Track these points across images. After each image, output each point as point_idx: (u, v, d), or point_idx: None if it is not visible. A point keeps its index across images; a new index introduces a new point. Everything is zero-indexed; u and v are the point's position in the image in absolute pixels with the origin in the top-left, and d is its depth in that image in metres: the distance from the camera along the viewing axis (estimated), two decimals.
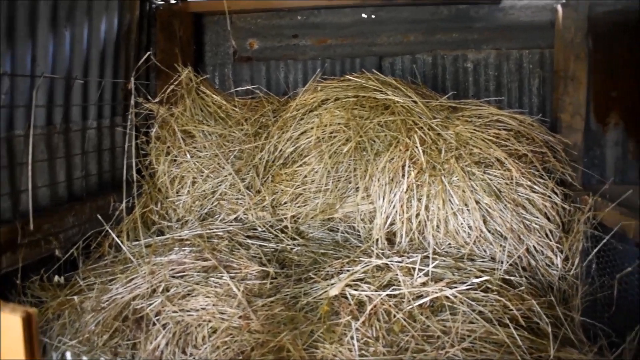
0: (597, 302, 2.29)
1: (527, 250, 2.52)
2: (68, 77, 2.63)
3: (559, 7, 3.33)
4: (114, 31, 3.07)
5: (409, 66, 3.56)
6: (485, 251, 2.56)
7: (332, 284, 2.14)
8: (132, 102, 2.60)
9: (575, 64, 3.32)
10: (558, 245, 2.52)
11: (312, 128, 2.74)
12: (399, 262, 2.19)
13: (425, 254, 2.27)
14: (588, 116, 3.47)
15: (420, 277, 2.16)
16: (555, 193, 2.64)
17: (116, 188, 2.95)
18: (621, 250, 2.17)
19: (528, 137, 2.79)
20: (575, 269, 2.46)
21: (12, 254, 2.38)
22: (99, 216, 2.62)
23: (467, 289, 2.14)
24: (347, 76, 2.96)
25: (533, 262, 2.51)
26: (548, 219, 2.58)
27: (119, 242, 2.58)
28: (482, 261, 2.46)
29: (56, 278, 2.47)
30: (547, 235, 2.56)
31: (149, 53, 2.99)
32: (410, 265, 2.19)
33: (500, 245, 2.50)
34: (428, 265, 2.21)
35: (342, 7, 3.55)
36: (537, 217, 2.54)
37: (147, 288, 2.35)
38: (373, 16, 3.59)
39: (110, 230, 2.63)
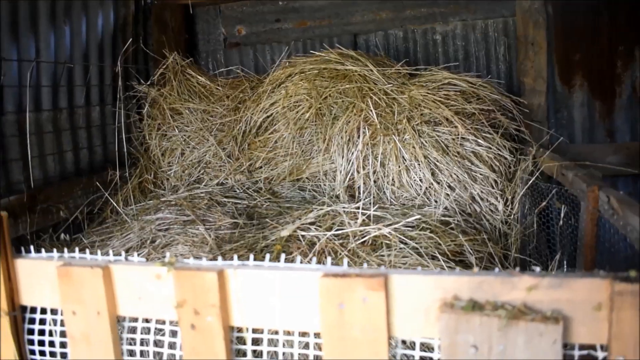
0: (529, 239, 2.54)
1: (473, 198, 2.78)
2: (64, 63, 3.03)
3: None
4: (110, 25, 3.48)
5: (382, 42, 3.83)
6: (435, 201, 2.83)
7: (285, 228, 2.47)
8: (120, 83, 2.99)
9: (534, 30, 3.53)
10: (501, 192, 2.77)
11: (280, 99, 3.07)
12: (345, 207, 2.50)
13: (365, 200, 2.57)
14: (553, 79, 3.68)
15: (364, 219, 2.47)
16: (504, 146, 2.89)
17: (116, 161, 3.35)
18: (543, 189, 2.42)
19: (478, 97, 3.03)
20: (515, 213, 2.71)
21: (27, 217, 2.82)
22: (97, 184, 3.03)
23: (404, 229, 2.43)
24: (313, 52, 3.28)
25: (478, 209, 2.77)
26: (494, 170, 2.84)
27: (116, 205, 2.97)
28: (429, 208, 2.73)
29: (62, 236, 2.88)
30: (492, 185, 2.81)
31: (130, 41, 3.34)
32: (354, 210, 2.49)
33: (447, 194, 2.77)
34: (375, 212, 2.52)
35: None
36: (481, 168, 2.79)
37: (137, 241, 2.74)
38: None
39: (108, 197, 3.03)
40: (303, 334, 1.25)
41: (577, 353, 1.10)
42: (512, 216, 2.72)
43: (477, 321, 1.03)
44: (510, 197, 2.74)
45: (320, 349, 1.18)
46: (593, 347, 1.08)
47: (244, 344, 1.27)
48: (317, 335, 1.20)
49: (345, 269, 1.14)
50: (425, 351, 1.19)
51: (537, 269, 1.09)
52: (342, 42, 3.84)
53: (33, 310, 1.49)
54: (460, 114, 2.88)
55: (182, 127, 3.28)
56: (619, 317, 1.00)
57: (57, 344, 1.45)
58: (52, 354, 1.47)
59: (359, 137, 2.87)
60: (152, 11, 3.86)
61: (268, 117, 3.13)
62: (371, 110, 2.86)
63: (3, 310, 1.42)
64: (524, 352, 1.02)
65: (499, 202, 2.76)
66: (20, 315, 1.48)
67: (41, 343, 1.48)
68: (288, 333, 1.26)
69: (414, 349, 1.17)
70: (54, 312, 1.46)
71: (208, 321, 1.20)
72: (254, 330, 1.27)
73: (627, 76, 3.61)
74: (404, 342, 1.21)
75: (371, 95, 2.93)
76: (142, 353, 1.37)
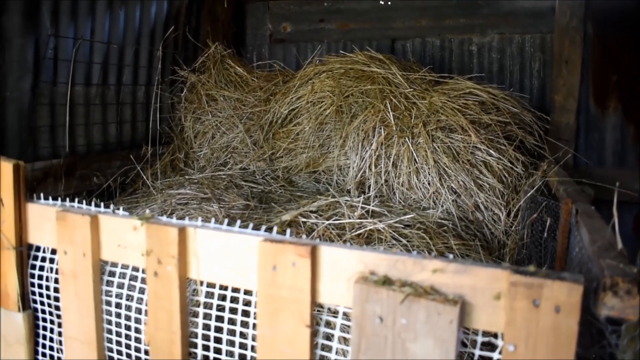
0: (522, 250, 2.58)
1: (477, 206, 2.84)
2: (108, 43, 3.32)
3: None
4: (163, 13, 3.76)
5: (419, 48, 3.93)
6: (442, 205, 2.91)
7: (288, 213, 2.63)
8: (159, 66, 3.25)
9: (570, 48, 3.53)
10: (505, 203, 2.82)
11: (305, 94, 3.24)
12: (347, 200, 2.63)
13: (370, 196, 2.68)
14: (586, 99, 3.65)
15: (363, 214, 2.59)
16: (517, 159, 2.93)
17: (152, 139, 3.63)
18: (540, 202, 2.45)
19: (497, 108, 3.08)
20: (517, 224, 2.75)
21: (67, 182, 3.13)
22: (132, 157, 3.30)
23: (398, 226, 2.54)
24: (343, 52, 3.42)
25: (480, 217, 2.83)
26: (502, 181, 2.88)
27: (145, 178, 3.23)
28: (431, 211, 2.82)
29: (95, 201, 3.16)
30: (498, 195, 2.86)
31: (172, 27, 3.60)
32: (356, 204, 2.62)
33: (452, 200, 2.85)
34: (374, 207, 2.63)
35: None
36: (488, 178, 2.85)
37: (159, 212, 2.97)
38: (389, 3, 3.99)
39: (140, 170, 3.30)
40: (247, 292, 1.40)
41: (480, 339, 1.20)
42: (513, 227, 2.77)
43: (384, 294, 1.15)
44: (515, 209, 2.78)
45: None
46: (495, 336, 1.18)
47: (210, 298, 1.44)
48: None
49: (282, 237, 1.29)
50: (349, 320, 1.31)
51: (451, 256, 1.20)
52: (380, 45, 3.97)
53: (37, 249, 1.74)
54: (476, 124, 2.94)
55: (215, 113, 3.51)
56: (512, 306, 1.09)
57: (52, 279, 1.68)
58: (47, 288, 1.70)
59: (374, 136, 2.99)
60: (205, 4, 4.13)
61: (293, 110, 3.31)
62: (389, 112, 2.97)
63: (12, 245, 1.66)
64: (424, 327, 1.13)
65: (502, 212, 2.81)
66: (25, 251, 1.72)
67: (40, 277, 1.71)
68: (236, 290, 1.42)
69: (337, 316, 1.30)
70: (53, 252, 1.70)
71: (168, 270, 1.38)
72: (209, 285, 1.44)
73: None
74: (329, 309, 1.34)
75: (391, 97, 3.04)
76: (117, 295, 1.57)
